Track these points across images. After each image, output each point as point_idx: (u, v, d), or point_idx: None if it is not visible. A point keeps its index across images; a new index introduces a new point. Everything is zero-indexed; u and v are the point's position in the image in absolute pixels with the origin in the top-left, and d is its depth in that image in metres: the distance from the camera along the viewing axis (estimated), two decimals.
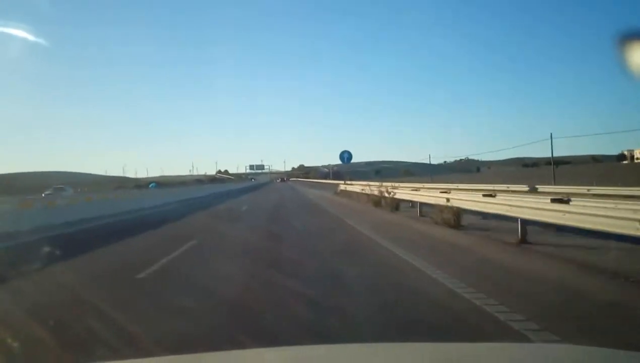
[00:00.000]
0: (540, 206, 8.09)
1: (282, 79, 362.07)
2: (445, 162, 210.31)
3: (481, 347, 2.41)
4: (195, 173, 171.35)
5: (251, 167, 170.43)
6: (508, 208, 8.94)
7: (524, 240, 8.27)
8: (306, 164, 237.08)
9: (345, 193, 29.73)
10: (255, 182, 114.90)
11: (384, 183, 19.45)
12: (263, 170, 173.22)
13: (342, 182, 44.06)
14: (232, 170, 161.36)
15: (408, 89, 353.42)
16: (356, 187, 28.90)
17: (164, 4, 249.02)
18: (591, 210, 6.87)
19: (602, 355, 1.96)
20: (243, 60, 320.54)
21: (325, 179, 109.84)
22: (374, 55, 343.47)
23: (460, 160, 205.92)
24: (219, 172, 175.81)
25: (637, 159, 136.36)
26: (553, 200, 7.90)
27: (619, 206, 6.43)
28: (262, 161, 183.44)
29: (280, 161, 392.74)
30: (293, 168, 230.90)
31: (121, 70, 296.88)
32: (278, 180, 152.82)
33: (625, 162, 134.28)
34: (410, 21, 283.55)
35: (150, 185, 67.74)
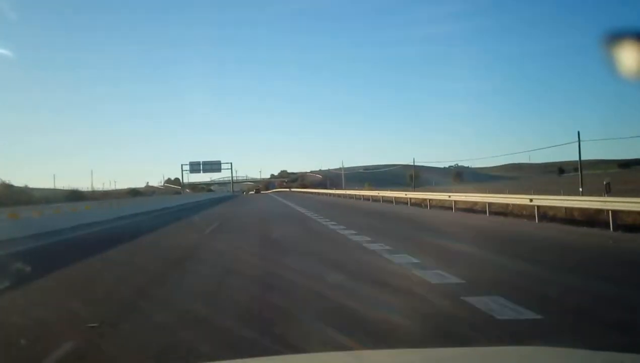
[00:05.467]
0: None
1: (258, 78, 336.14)
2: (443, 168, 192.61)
3: (484, 350, 2.29)
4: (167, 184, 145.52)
5: (192, 166, 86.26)
6: None
7: None
8: (289, 170, 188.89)
9: None
10: (190, 199, 56.23)
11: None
12: (219, 171, 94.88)
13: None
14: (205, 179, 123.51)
15: (393, 92, 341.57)
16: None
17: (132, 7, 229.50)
18: None
19: (605, 359, 1.87)
20: (213, 59, 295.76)
21: (326, 188, 74.28)
22: (360, 58, 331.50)
23: (450, 166, 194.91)
24: (169, 181, 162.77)
25: None
26: None
27: None
28: (237, 173, 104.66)
29: (255, 168, 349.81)
30: (272, 175, 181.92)
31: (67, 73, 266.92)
32: (252, 192, 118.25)
33: None
34: (401, 22, 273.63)
35: None
